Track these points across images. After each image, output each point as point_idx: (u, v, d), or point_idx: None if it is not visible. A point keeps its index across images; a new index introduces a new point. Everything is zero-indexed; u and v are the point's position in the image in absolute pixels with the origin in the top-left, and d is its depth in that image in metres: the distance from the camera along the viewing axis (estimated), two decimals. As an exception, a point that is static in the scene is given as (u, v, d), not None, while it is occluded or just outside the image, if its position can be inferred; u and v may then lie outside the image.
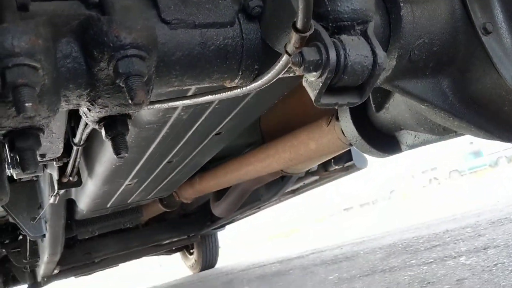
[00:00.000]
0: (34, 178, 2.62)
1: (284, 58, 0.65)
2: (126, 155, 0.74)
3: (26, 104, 0.53)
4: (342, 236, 5.51)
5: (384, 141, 1.46)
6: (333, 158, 3.51)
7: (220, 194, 3.38)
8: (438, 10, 0.85)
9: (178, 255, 6.82)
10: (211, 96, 0.86)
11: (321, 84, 0.64)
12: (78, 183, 1.97)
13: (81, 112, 0.73)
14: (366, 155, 3.72)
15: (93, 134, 1.70)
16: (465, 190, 8.83)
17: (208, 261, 6.13)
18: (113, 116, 0.72)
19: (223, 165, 2.52)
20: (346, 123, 1.48)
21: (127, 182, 2.04)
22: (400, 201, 15.34)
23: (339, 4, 0.64)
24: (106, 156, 1.68)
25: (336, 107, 0.68)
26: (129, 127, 1.38)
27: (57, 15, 0.60)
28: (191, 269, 6.58)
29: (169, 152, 1.76)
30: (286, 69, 0.67)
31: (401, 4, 0.81)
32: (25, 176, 1.29)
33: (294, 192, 4.60)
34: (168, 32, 0.68)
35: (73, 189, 2.30)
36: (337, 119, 1.58)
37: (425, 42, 0.85)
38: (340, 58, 0.62)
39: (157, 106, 1.08)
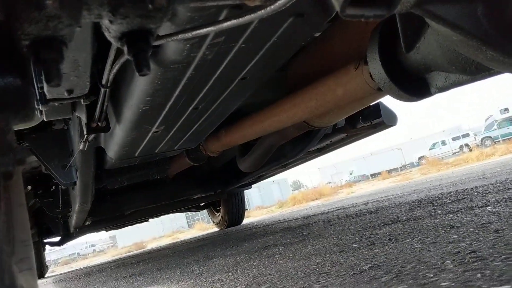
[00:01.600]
0: (65, 127, 2.69)
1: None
2: (148, 72, 0.74)
3: (47, 1, 0.53)
4: (375, 194, 5.50)
5: (414, 83, 1.42)
6: (360, 114, 3.48)
7: (246, 149, 3.39)
8: None
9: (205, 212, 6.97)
10: (235, 21, 0.85)
11: (347, -7, 0.61)
12: (107, 128, 2.00)
13: (103, 28, 0.72)
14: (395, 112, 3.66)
15: (120, 78, 1.71)
16: (496, 158, 8.63)
17: (234, 218, 6.25)
18: (135, 33, 0.72)
19: (248, 117, 2.51)
20: (374, 65, 1.44)
21: (154, 129, 2.06)
22: (429, 168, 15.12)
23: None
24: (133, 99, 1.69)
25: (363, 19, 0.65)
26: (154, 67, 1.39)
27: None
28: (217, 226, 6.73)
29: (195, 97, 1.76)
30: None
31: None
32: (51, 92, 1.28)
33: (321, 150, 4.59)
34: None
35: (102, 137, 2.35)
36: (366, 63, 1.54)
37: (461, -39, 0.80)
38: (367, -37, 0.59)
39: (180, 36, 1.08)
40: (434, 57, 1.24)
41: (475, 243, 1.13)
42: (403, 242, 1.38)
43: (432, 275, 0.93)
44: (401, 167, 30.50)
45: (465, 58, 1.15)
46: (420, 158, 29.30)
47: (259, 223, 5.32)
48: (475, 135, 29.65)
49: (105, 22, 0.70)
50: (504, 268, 0.86)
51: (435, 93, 1.39)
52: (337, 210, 3.85)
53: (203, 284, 1.56)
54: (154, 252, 5.40)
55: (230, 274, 1.64)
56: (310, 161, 5.12)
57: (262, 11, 0.78)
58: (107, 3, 0.63)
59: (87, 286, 2.94)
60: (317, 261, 1.43)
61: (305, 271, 1.32)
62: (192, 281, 1.71)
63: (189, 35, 1.02)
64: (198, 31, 0.98)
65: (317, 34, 1.51)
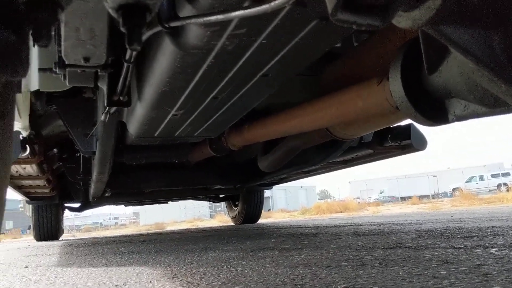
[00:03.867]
0: (93, 96, 2.74)
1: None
2: (139, 48, 0.74)
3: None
4: (395, 216, 5.39)
5: (432, 107, 1.37)
6: (390, 133, 3.41)
7: (268, 149, 3.38)
8: (501, -51, 0.76)
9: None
10: (236, 13, 0.84)
11: (338, -5, 0.59)
12: (128, 103, 2.02)
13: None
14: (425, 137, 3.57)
15: (144, 55, 1.73)
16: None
17: (250, 215, 6.26)
18: (131, 6, 0.72)
19: (272, 116, 2.51)
20: (394, 82, 1.40)
21: (173, 112, 2.07)
22: (461, 200, 14.67)
23: None
24: (154, 79, 1.71)
25: (355, 27, 0.63)
26: (175, 49, 1.40)
27: None
28: (233, 220, 6.76)
29: (215, 86, 1.76)
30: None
31: None
32: (69, 58, 1.31)
33: (346, 163, 4.53)
34: None
35: (124, 112, 2.38)
36: (388, 79, 1.50)
37: (480, -17, 0.76)
38: (363, -33, 0.57)
39: (193, 20, 1.08)
40: (455, 83, 1.20)
41: (457, 283, 1.08)
42: (391, 268, 1.34)
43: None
44: (433, 195, 29.77)
45: (484, 88, 1.11)
46: (454, 189, 28.50)
47: (272, 225, 5.30)
48: (516, 176, 28.58)
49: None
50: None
51: (453, 121, 1.34)
52: (350, 225, 3.79)
53: (186, 274, 1.57)
54: (164, 235, 5.47)
55: (215, 268, 1.63)
56: (342, 174, 5.07)
57: (267, 5, 0.77)
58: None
59: (86, 255, 3.01)
60: (301, 271, 1.41)
61: (283, 279, 1.30)
62: (178, 268, 1.71)
63: (200, 20, 1.02)
64: (210, 18, 0.98)
65: (338, 44, 1.48)
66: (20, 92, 2.21)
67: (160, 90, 1.76)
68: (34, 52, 2.35)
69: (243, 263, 1.75)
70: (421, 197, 26.65)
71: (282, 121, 2.35)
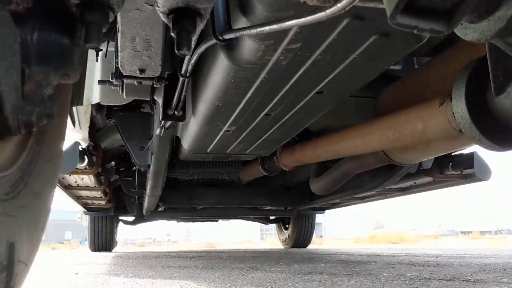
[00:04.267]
0: (151, 111, 2.80)
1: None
2: (187, 53, 0.73)
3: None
4: (454, 248, 5.12)
5: (499, 131, 1.27)
6: (451, 161, 3.24)
7: (321, 171, 3.31)
8: None
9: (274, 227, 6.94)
10: (290, 22, 0.82)
11: (398, -1, 0.55)
12: (182, 117, 2.05)
13: (153, 2, 0.72)
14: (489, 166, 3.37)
15: (200, 70, 1.74)
16: None
17: (300, 239, 6.15)
18: (182, 10, 0.71)
19: (324, 136, 2.45)
20: (458, 102, 1.32)
21: (225, 128, 2.07)
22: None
23: None
24: (208, 94, 1.71)
25: (416, 32, 0.58)
26: (229, 64, 1.39)
27: None
28: (283, 244, 6.66)
29: (268, 102, 1.74)
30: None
31: None
32: (125, 69, 1.33)
33: (403, 190, 4.35)
34: None
35: (179, 127, 2.41)
36: (451, 100, 1.42)
37: (559, -9, 0.69)
38: (427, -34, 0.52)
39: (246, 32, 1.06)
40: (525, 104, 1.10)
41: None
42: (449, 301, 1.23)
43: None
44: (495, 231, 28.14)
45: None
46: (520, 225, 26.78)
47: (323, 250, 5.18)
48: None
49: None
50: None
51: (521, 146, 1.23)
52: (405, 255, 3.62)
53: (230, 291, 1.52)
54: (213, 252, 5.47)
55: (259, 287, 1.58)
56: (398, 201, 4.90)
57: (322, 13, 0.74)
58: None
59: (135, 266, 3.04)
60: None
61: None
62: (222, 284, 1.68)
63: (254, 31, 1.00)
64: (263, 28, 0.96)
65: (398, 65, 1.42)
66: (81, 104, 2.30)
67: (214, 105, 1.76)
68: (97, 65, 2.44)
69: (289, 284, 1.69)
70: (482, 232, 25.26)
71: (334, 142, 2.28)
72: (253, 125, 2.03)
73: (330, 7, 0.70)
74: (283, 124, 2.04)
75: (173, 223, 6.56)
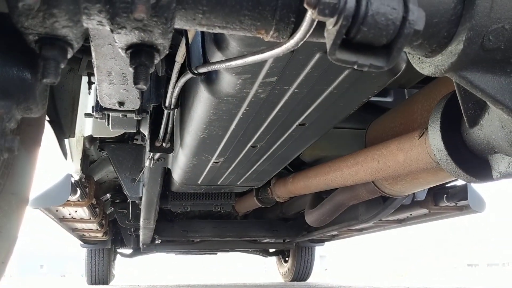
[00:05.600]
0: (143, 143, 2.82)
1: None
2: (144, 87, 0.74)
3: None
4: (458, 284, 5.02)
5: (475, 163, 1.28)
6: (446, 193, 3.23)
7: (316, 203, 3.30)
8: (529, -10, 0.71)
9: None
10: (251, 57, 0.84)
11: (335, 33, 0.56)
12: (170, 149, 2.07)
13: (112, 38, 0.74)
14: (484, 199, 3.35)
15: (185, 102, 1.77)
16: None
17: (300, 272, 6.06)
18: (140, 46, 0.73)
19: (314, 167, 2.45)
20: (434, 135, 1.32)
21: (214, 160, 2.08)
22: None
23: None
24: (193, 126, 1.73)
25: (356, 67, 0.59)
26: (209, 96, 1.41)
27: None
28: (283, 277, 6.57)
29: (253, 134, 1.76)
30: (314, 22, 0.61)
31: (479, -24, 0.68)
32: (104, 102, 1.35)
33: (400, 222, 4.33)
34: None
35: (169, 159, 2.42)
36: (430, 132, 1.43)
37: (505, 28, 0.71)
38: (360, 4, 0.54)
39: (217, 66, 1.08)
40: (497, 137, 1.11)
41: None
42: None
43: None
44: (503, 263, 27.53)
45: (527, 143, 1.01)
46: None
47: (322, 285, 5.09)
48: None
49: (113, 32, 0.71)
50: None
51: (498, 178, 1.23)
52: (401, 289, 3.55)
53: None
54: (210, 287, 5.39)
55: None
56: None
57: (277, 49, 0.75)
58: (105, 11, 0.65)
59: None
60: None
61: None
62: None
63: (222, 66, 1.02)
64: (230, 63, 0.98)
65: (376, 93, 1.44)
66: (73, 136, 2.32)
67: (199, 137, 1.78)
68: (89, 98, 2.47)
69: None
70: (489, 265, 24.77)
71: (324, 173, 2.29)
72: (240, 156, 2.04)
73: (285, 43, 0.72)
74: (271, 156, 2.05)
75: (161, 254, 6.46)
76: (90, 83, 2.08)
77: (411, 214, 3.82)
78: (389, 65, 0.59)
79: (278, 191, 3.03)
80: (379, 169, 1.79)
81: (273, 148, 1.93)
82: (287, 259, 6.40)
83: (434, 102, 1.76)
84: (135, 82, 0.73)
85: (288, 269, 6.31)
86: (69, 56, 0.72)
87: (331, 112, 1.57)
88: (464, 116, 1.16)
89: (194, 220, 4.39)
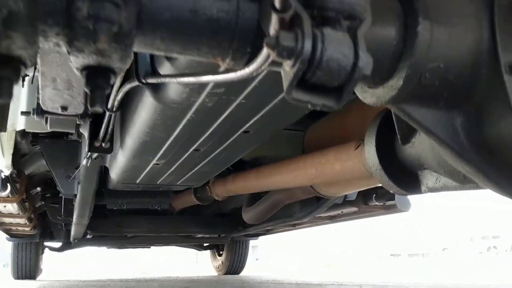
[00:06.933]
0: (79, 139, 2.74)
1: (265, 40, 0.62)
2: (101, 110, 0.74)
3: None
4: (378, 276, 5.31)
5: (405, 177, 1.38)
6: (375, 193, 3.41)
7: (254, 201, 3.37)
8: (461, 36, 0.78)
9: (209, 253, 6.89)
10: (205, 77, 0.86)
11: (292, 75, 0.60)
12: (109, 150, 2.03)
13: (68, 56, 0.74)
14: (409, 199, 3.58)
15: (128, 105, 1.75)
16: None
17: (234, 266, 6.14)
18: (96, 67, 0.73)
19: (255, 169, 2.51)
20: (369, 149, 1.41)
21: (154, 161, 2.07)
22: (451, 261, 14.53)
23: (328, -7, 0.60)
24: (135, 129, 1.71)
25: (309, 106, 0.64)
26: (155, 102, 1.41)
27: None
28: (216, 270, 6.62)
29: (196, 139, 1.77)
30: (270, 57, 0.64)
31: (420, 19, 0.75)
32: (46, 105, 1.31)
33: (331, 218, 4.51)
34: None
35: (108, 157, 2.38)
36: (366, 144, 1.52)
37: (440, 67, 0.78)
38: (316, 50, 0.58)
39: (167, 79, 1.09)
40: (426, 156, 1.20)
41: None
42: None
43: None
44: (423, 254, 29.35)
45: (452, 165, 1.11)
46: (444, 249, 28.18)
47: (255, 279, 5.20)
48: None
49: (70, 54, 0.71)
50: None
51: (425, 192, 1.33)
52: (332, 284, 3.73)
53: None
54: (144, 281, 5.34)
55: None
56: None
57: (232, 74, 0.78)
58: (63, 34, 0.64)
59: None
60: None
61: None
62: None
63: (174, 80, 1.03)
64: (172, 79, 1.00)
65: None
66: (4, 131, 2.22)
67: (141, 140, 1.77)
68: (23, 91, 2.36)
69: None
70: (410, 255, 26.31)
71: (264, 176, 2.35)
72: (182, 159, 2.05)
73: (239, 70, 0.75)
74: (213, 159, 2.08)
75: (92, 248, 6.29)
76: (24, 75, 2.00)
77: (342, 212, 3.99)
78: (339, 106, 0.64)
79: (217, 190, 3.06)
80: (317, 176, 1.88)
81: (216, 152, 1.96)
82: (221, 252, 6.45)
83: (367, 114, 1.86)
84: (92, 105, 0.73)
85: (222, 262, 6.37)
86: (22, 74, 0.71)
87: (275, 121, 1.62)
88: (397, 133, 1.24)
89: (129, 216, 4.31)
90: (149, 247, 6.34)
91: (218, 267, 6.51)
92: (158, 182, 2.57)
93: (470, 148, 0.85)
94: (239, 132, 1.71)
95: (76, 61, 0.71)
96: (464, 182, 1.14)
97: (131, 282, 4.81)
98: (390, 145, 1.38)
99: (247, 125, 1.63)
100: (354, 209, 3.72)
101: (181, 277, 6.39)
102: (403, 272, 7.93)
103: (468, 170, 0.89)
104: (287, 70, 0.62)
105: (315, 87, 0.62)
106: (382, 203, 3.43)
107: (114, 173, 2.39)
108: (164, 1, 0.67)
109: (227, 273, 6.26)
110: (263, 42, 0.66)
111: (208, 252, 6.79)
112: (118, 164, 2.21)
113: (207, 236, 5.20)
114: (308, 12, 0.60)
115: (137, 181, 2.51)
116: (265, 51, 0.64)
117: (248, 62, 0.75)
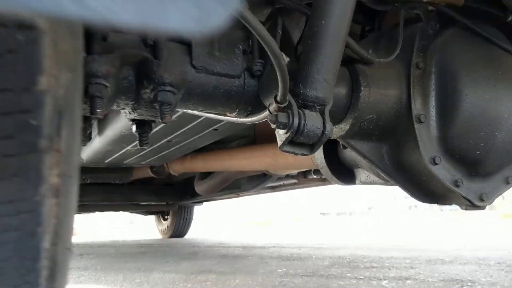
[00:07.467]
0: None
1: (266, 113, 0.97)
2: (146, 148, 1.06)
3: (98, 110, 0.84)
4: (312, 237, 5.87)
5: (344, 172, 1.79)
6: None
7: (205, 174, 3.70)
8: (388, 96, 1.16)
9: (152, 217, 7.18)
10: (217, 116, 1.18)
11: (285, 138, 0.95)
12: (88, 138, 2.27)
13: (123, 112, 1.04)
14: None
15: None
16: (438, 226, 9.20)
17: (179, 230, 6.49)
18: (144, 120, 1.04)
19: (214, 152, 2.84)
20: (318, 151, 1.80)
21: (129, 148, 2.35)
22: (376, 219, 15.78)
23: (308, 90, 0.95)
24: (120, 124, 1.98)
25: (294, 154, 1.00)
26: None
27: (125, 52, 0.91)
28: (161, 234, 6.94)
29: (171, 134, 2.08)
30: (267, 120, 0.99)
31: (362, 88, 1.12)
32: None
33: (273, 188, 4.94)
34: (194, 74, 0.99)
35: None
36: (314, 143, 1.90)
37: (374, 117, 1.16)
38: (301, 124, 0.93)
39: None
40: (360, 159, 1.61)
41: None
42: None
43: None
44: (350, 213, 31.33)
45: (379, 169, 1.51)
46: (369, 209, 30.14)
47: (201, 242, 5.59)
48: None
49: (126, 110, 1.02)
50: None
51: (358, 184, 1.76)
52: (273, 247, 4.19)
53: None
54: (96, 247, 5.58)
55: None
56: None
57: (234, 119, 1.12)
58: (131, 104, 0.95)
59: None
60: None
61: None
62: (133, 289, 1.98)
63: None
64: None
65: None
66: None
67: (122, 133, 2.04)
68: None
69: (188, 285, 2.06)
70: (339, 214, 27.92)
71: (223, 159, 2.69)
72: (154, 146, 2.34)
73: (240, 118, 1.09)
74: (181, 147, 2.39)
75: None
76: None
77: (283, 183, 4.44)
78: (312, 153, 1.00)
79: (174, 167, 3.36)
80: (272, 164, 2.25)
81: (186, 142, 2.27)
82: (166, 217, 6.76)
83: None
84: (141, 145, 1.04)
85: (167, 226, 6.69)
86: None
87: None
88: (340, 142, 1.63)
89: (86, 185, 4.48)
90: (94, 212, 6.53)
91: (163, 231, 6.83)
92: (125, 162, 2.84)
93: (392, 168, 1.25)
94: (209, 129, 2.04)
95: (132, 116, 1.02)
96: (386, 181, 1.56)
97: (87, 248, 5.04)
98: (334, 148, 1.77)
99: (219, 125, 1.96)
100: (294, 181, 4.17)
101: (129, 241, 6.67)
102: (332, 229, 8.67)
103: (390, 181, 1.29)
104: (281, 133, 0.97)
105: (298, 144, 0.98)
106: (319, 177, 3.90)
107: (85, 155, 2.63)
108: (197, 81, 0.99)
109: (172, 236, 6.60)
110: (260, 104, 1.01)
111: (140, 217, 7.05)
112: (92, 147, 2.45)
113: (156, 203, 5.48)
114: (296, 99, 0.95)
115: (106, 162, 2.77)
116: (264, 114, 0.99)
117: (247, 115, 1.09)
